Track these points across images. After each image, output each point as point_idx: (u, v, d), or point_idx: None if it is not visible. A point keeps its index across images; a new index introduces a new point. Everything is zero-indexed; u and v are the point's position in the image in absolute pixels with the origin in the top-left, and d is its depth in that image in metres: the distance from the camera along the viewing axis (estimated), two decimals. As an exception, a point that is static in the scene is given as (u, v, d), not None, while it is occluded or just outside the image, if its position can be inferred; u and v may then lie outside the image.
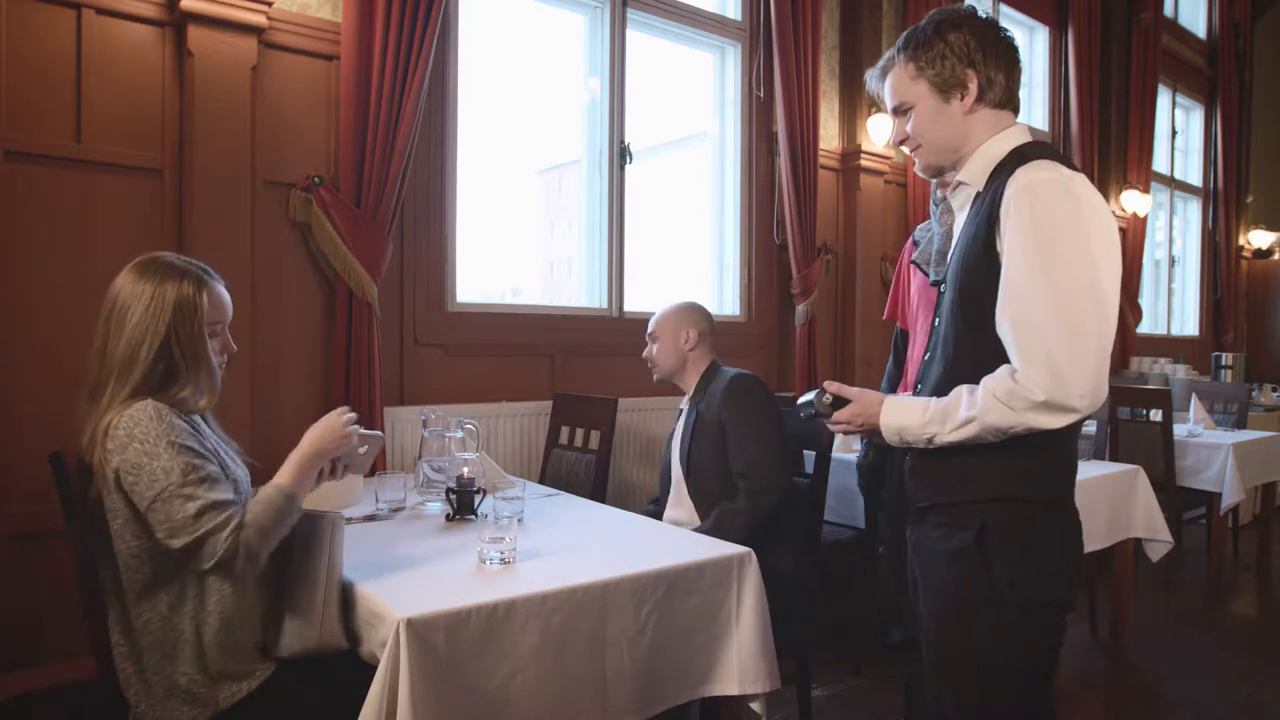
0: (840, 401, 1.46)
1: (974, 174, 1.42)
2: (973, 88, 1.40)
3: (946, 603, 1.41)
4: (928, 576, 1.46)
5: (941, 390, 1.38)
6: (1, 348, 2.27)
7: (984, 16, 1.45)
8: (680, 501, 2.44)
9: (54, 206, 2.35)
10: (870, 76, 1.53)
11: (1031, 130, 1.44)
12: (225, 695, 1.48)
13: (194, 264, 1.58)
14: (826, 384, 1.48)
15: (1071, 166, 1.33)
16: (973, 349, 1.36)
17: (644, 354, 2.60)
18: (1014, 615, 1.34)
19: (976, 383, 1.31)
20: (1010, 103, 1.43)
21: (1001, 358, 1.30)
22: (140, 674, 1.47)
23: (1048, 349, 1.23)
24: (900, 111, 1.48)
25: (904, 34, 1.47)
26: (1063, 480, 1.40)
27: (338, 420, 1.61)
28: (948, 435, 1.33)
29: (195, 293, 1.53)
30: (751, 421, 2.33)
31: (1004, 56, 1.41)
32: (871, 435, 1.45)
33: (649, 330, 2.60)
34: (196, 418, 1.58)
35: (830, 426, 1.49)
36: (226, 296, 1.63)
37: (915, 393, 1.51)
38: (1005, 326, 1.29)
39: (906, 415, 1.38)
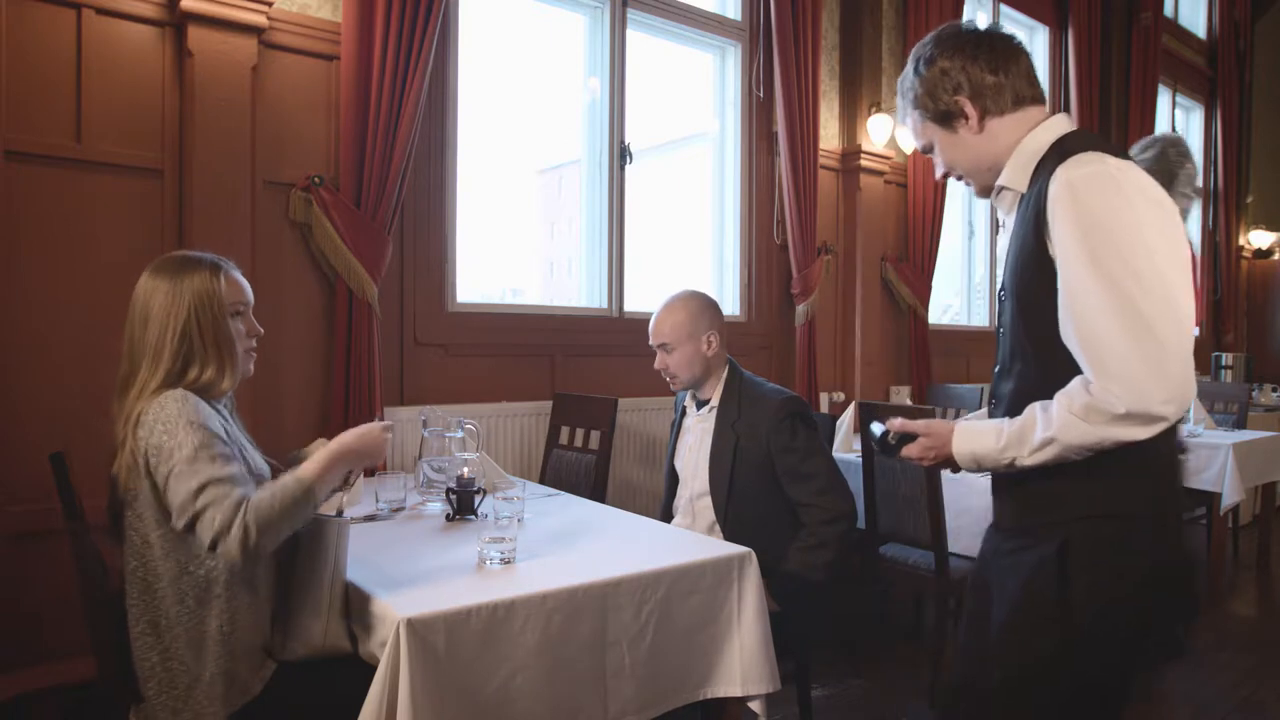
0: (908, 436, 1.40)
1: (1013, 176, 1.35)
2: (970, 109, 1.36)
3: (1014, 613, 1.32)
4: (999, 584, 1.38)
5: (1016, 407, 1.30)
6: (1, 348, 2.27)
7: (962, 27, 1.40)
8: (696, 522, 2.35)
9: (54, 206, 2.35)
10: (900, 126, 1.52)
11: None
12: (239, 695, 1.49)
13: (208, 255, 1.61)
14: (890, 421, 1.42)
15: (1121, 154, 1.24)
16: (1040, 360, 1.29)
17: (656, 365, 2.37)
18: (1084, 636, 1.26)
19: (1049, 395, 1.23)
20: (1027, 99, 1.36)
21: (1073, 367, 1.22)
22: (165, 666, 1.47)
23: (1119, 357, 1.15)
24: (928, 151, 1.47)
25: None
26: (1155, 493, 1.28)
27: (378, 428, 1.63)
28: (1028, 459, 1.24)
29: (211, 277, 1.56)
30: (811, 450, 2.23)
31: (994, 59, 1.35)
32: (946, 466, 1.38)
33: (659, 339, 2.35)
34: (224, 411, 1.60)
35: (903, 460, 1.43)
36: (244, 281, 1.65)
37: (990, 410, 1.44)
38: (1071, 337, 1.22)
39: (981, 441, 1.30)
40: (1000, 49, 1.36)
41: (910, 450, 1.39)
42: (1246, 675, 3.09)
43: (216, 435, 1.47)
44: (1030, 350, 1.31)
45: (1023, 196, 1.33)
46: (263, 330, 1.69)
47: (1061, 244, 1.21)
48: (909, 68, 1.42)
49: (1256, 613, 4.01)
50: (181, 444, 1.42)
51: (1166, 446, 1.27)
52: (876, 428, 1.44)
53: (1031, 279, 1.27)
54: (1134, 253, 1.17)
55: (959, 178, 1.45)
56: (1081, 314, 1.19)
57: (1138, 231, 1.17)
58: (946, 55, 1.36)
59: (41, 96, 2.32)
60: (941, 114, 1.38)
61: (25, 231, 2.31)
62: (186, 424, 1.44)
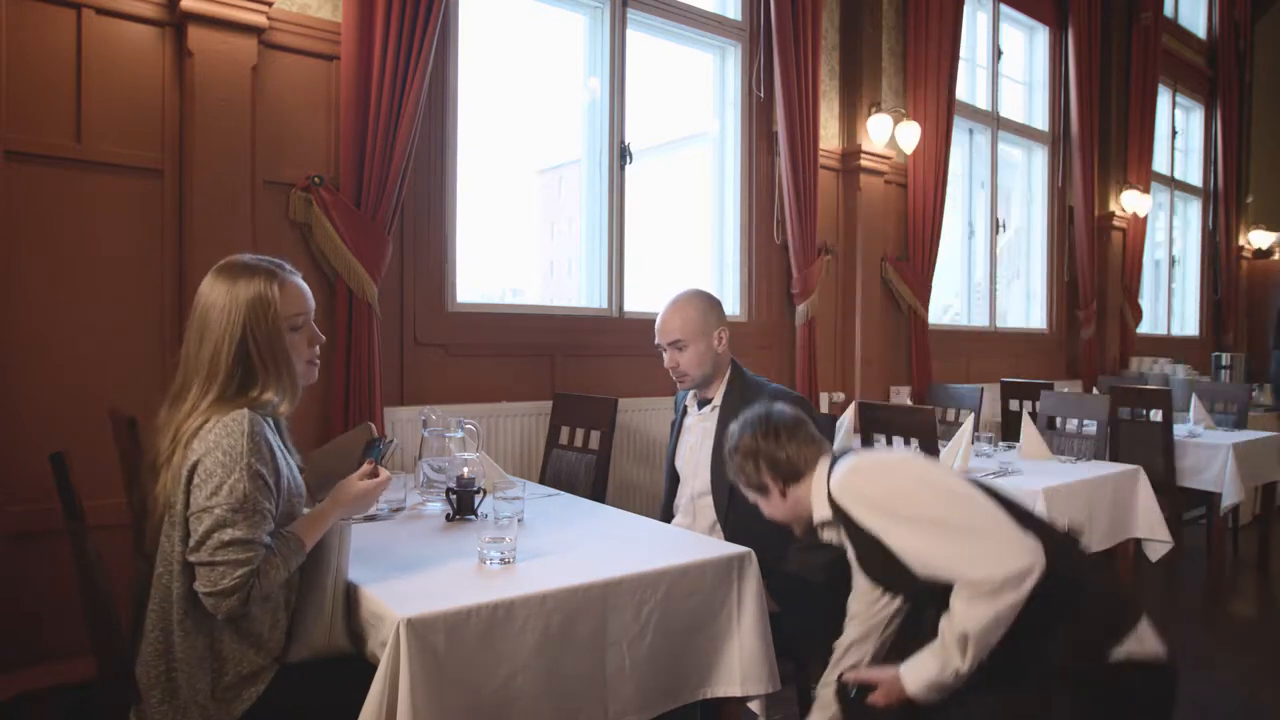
0: (868, 686, 1.59)
1: (822, 512, 1.67)
2: (774, 486, 1.73)
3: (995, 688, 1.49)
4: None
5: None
6: (2, 348, 2.27)
7: (757, 420, 1.75)
8: (697, 521, 2.35)
9: (54, 206, 2.35)
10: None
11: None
12: (239, 705, 1.48)
13: (266, 260, 1.57)
14: (845, 675, 1.68)
15: (856, 450, 1.67)
16: (927, 589, 1.55)
17: (666, 364, 2.37)
18: None
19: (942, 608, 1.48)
20: (812, 460, 1.70)
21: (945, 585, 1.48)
22: (169, 677, 1.46)
23: (962, 558, 1.43)
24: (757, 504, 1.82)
25: None
26: (1087, 639, 1.47)
27: (372, 488, 1.61)
28: (964, 662, 1.44)
29: (267, 287, 1.51)
30: None
31: (782, 443, 1.71)
32: (907, 703, 1.52)
33: (669, 337, 2.34)
34: (273, 426, 1.57)
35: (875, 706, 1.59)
36: (304, 287, 1.61)
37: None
38: (927, 572, 1.49)
39: (926, 669, 1.48)
40: (785, 428, 1.72)
41: (875, 698, 1.56)
42: (1246, 676, 3.09)
43: (266, 484, 1.45)
44: (936, 592, 1.55)
45: (837, 516, 1.63)
46: (324, 337, 1.66)
47: (871, 525, 1.55)
48: (731, 465, 1.79)
49: (1256, 613, 4.01)
50: (233, 486, 1.40)
51: (1069, 588, 1.47)
52: (843, 687, 1.68)
53: (888, 559, 1.54)
54: (907, 494, 1.53)
55: (791, 519, 1.78)
56: (917, 556, 1.50)
57: (897, 480, 1.57)
58: (752, 449, 1.73)
59: (41, 96, 2.32)
60: (762, 487, 1.76)
61: (25, 231, 2.31)
62: (245, 467, 1.41)
